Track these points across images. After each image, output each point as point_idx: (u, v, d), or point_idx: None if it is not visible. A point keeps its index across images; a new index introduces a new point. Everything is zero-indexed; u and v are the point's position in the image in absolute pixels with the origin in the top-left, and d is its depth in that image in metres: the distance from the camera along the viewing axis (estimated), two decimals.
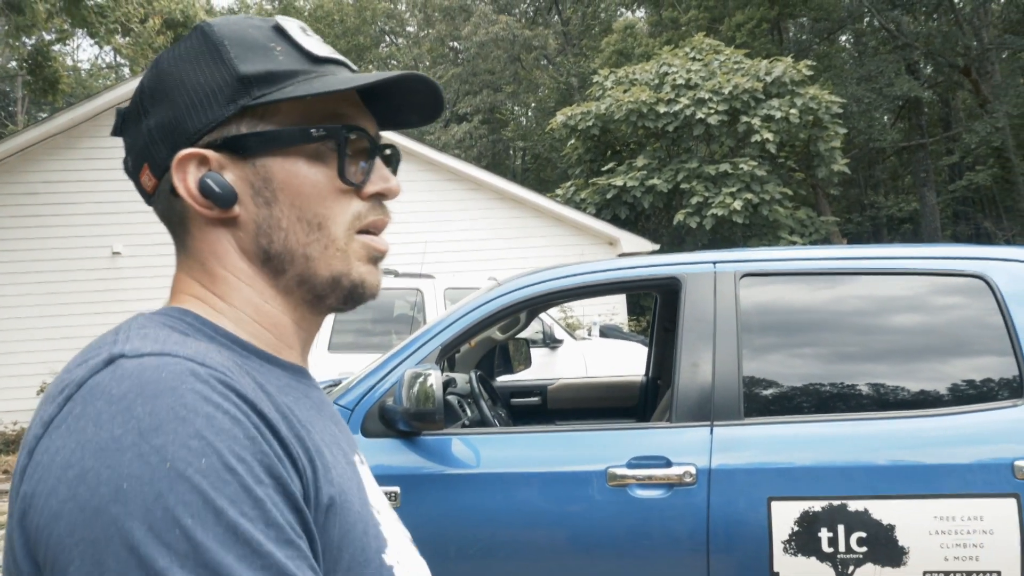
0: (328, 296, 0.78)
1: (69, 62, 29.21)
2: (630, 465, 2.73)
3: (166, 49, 0.79)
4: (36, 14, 8.16)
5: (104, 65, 35.24)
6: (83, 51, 32.85)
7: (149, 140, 0.76)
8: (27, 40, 9.03)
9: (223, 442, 0.57)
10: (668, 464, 2.70)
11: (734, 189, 15.32)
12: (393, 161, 0.84)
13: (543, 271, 3.23)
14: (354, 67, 0.81)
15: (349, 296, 0.78)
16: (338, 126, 0.75)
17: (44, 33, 9.91)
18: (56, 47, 11.53)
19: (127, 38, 9.85)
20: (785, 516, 2.59)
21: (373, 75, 0.74)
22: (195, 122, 0.73)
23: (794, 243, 15.56)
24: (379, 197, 0.79)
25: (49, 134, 11.74)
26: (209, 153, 0.73)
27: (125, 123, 0.80)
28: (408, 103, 0.82)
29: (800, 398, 2.88)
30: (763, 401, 2.85)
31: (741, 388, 2.80)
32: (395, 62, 36.50)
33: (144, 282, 11.68)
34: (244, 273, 0.76)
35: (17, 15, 8.27)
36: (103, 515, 0.54)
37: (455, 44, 33.12)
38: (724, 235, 15.99)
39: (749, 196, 15.20)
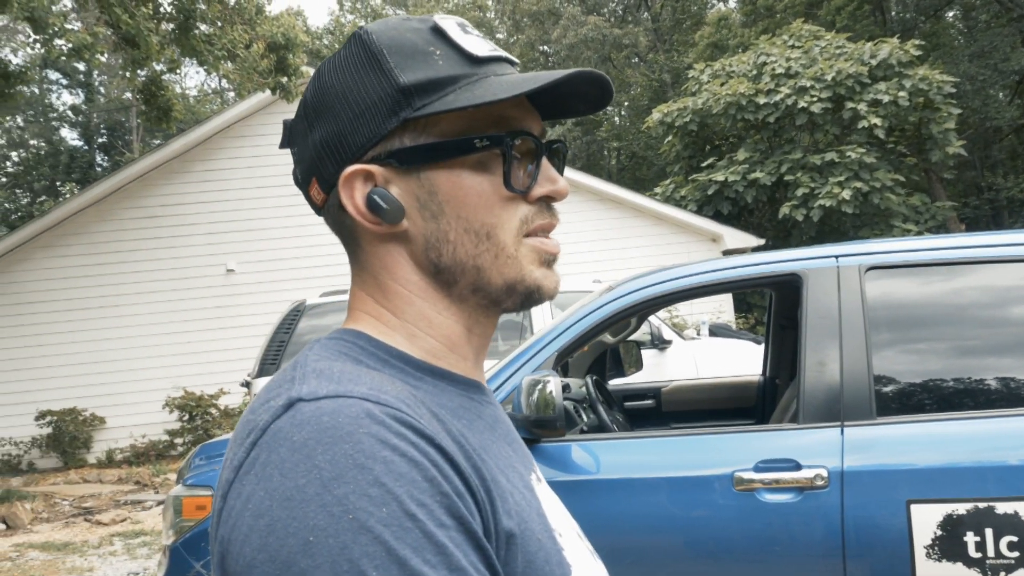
0: (504, 300, 0.76)
1: (178, 90, 30.70)
2: (757, 469, 2.66)
3: (327, 59, 0.78)
4: (150, 47, 8.59)
5: (210, 91, 36.85)
6: (190, 78, 34.43)
7: (316, 154, 0.75)
8: (141, 72, 9.53)
9: (403, 488, 0.57)
10: (797, 467, 2.62)
11: (842, 178, 14.81)
12: (560, 156, 0.82)
13: (656, 273, 3.18)
14: (515, 60, 0.79)
15: (526, 300, 0.77)
16: (502, 134, 0.73)
17: (157, 64, 10.42)
18: (168, 76, 12.11)
19: (233, 64, 10.25)
20: (927, 520, 2.47)
21: (537, 78, 0.71)
22: (359, 136, 0.72)
23: (908, 232, 14.92)
24: (546, 199, 0.77)
25: (164, 160, 12.35)
26: (374, 168, 0.73)
27: (292, 136, 0.79)
28: (574, 93, 0.78)
29: (934, 395, 2.75)
30: (895, 399, 2.73)
31: (872, 386, 2.68)
32: None
33: (257, 297, 12.13)
34: (416, 286, 0.75)
35: (133, 49, 8.74)
36: (292, 568, 0.55)
37: (545, 48, 33.19)
38: (833, 226, 15.47)
39: (858, 185, 14.67)
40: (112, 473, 11.16)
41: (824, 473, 2.57)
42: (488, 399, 0.80)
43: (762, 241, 13.44)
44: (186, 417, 11.58)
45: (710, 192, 15.87)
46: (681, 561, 2.68)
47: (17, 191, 34.83)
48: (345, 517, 0.55)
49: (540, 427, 2.71)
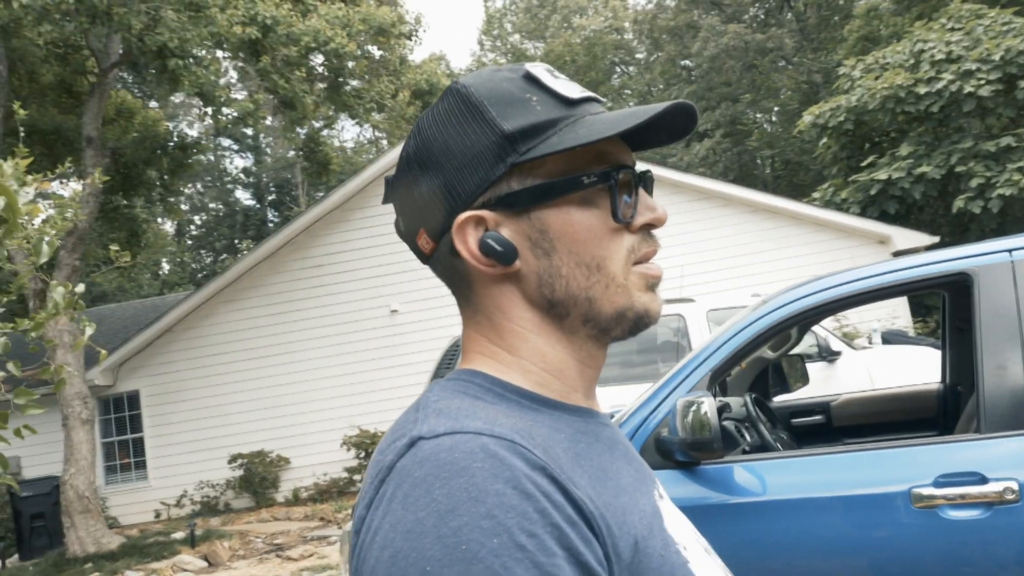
0: (613, 329, 0.79)
1: (336, 143, 32.43)
2: (937, 484, 2.48)
3: (424, 113, 0.81)
4: (305, 107, 9.21)
5: (365, 141, 38.76)
6: (346, 131, 36.32)
7: (423, 205, 0.78)
8: (300, 130, 10.19)
9: (513, 519, 0.59)
10: (983, 480, 2.42)
11: (1022, 163, 13.69)
12: (649, 185, 0.84)
13: (811, 282, 3.06)
14: (603, 100, 0.81)
15: (634, 326, 0.79)
16: (608, 170, 0.76)
17: (313, 122, 11.09)
18: (324, 132, 12.88)
19: (382, 114, 10.76)
20: None
21: (635, 114, 0.74)
22: (467, 184, 0.75)
23: None
24: (647, 227, 0.80)
25: (327, 211, 13.07)
26: (485, 213, 0.75)
27: (394, 190, 0.82)
28: (659, 124, 0.80)
29: None
30: None
31: None
32: (628, 91, 36.77)
33: (419, 335, 12.55)
34: (530, 323, 0.78)
35: (291, 110, 9.38)
36: None
37: (686, 62, 32.77)
38: (1016, 216, 14.30)
39: None
40: (299, 511, 11.80)
41: (1015, 486, 2.37)
42: (604, 422, 0.82)
43: (936, 239, 12.58)
44: (362, 454, 12.09)
45: (873, 192, 15.05)
46: None
47: (201, 251, 37.82)
48: (459, 548, 0.58)
49: (697, 449, 2.65)
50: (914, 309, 13.33)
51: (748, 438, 3.46)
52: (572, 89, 0.78)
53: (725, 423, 3.44)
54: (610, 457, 0.76)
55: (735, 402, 3.70)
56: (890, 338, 9.66)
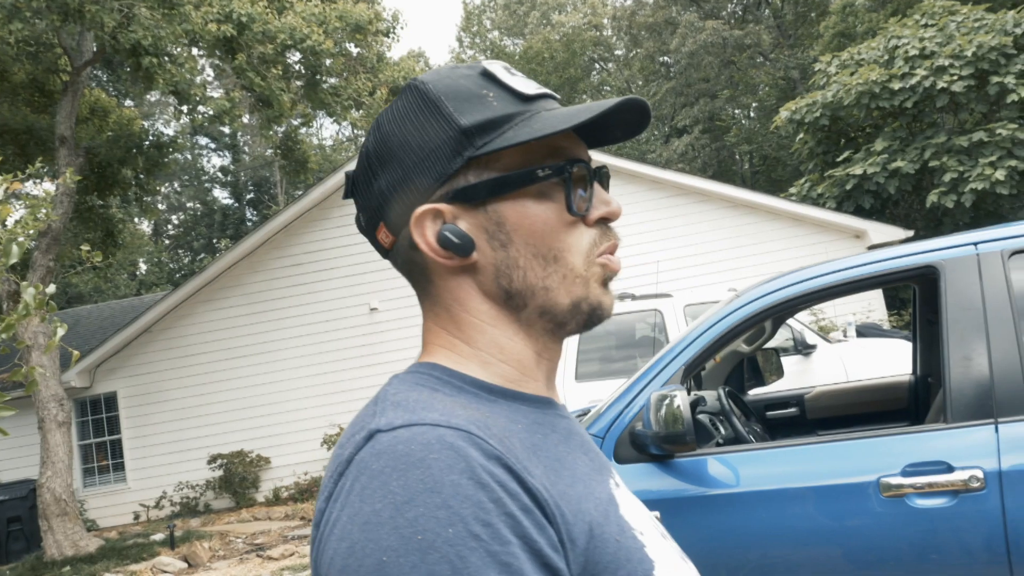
0: (568, 322, 0.80)
1: (315, 141, 32.29)
2: (905, 473, 2.52)
3: (383, 111, 0.83)
4: (282, 105, 9.17)
5: (343, 139, 38.59)
6: (324, 129, 36.15)
7: (382, 200, 0.80)
8: (278, 128, 10.15)
9: (468, 509, 0.60)
10: (949, 469, 2.47)
11: (993, 158, 13.86)
12: (606, 179, 0.85)
13: (782, 277, 3.09)
14: (557, 96, 0.83)
15: (588, 319, 0.81)
16: (562, 163, 0.77)
17: (291, 120, 11.03)
18: (302, 130, 12.83)
19: (360, 111, 10.73)
20: None
21: (589, 109, 0.76)
22: (425, 178, 0.77)
23: None
24: (603, 221, 0.81)
25: (305, 209, 13.01)
26: (443, 206, 0.77)
27: (355, 185, 0.84)
28: (614, 121, 0.82)
29: None
30: None
31: None
32: (608, 88, 36.84)
33: (400, 333, 12.53)
34: (487, 315, 0.80)
35: (267, 108, 9.34)
36: None
37: (665, 59, 32.89)
38: (988, 210, 14.48)
39: (1013, 163, 13.68)
40: (280, 510, 11.76)
41: (979, 474, 2.42)
42: (561, 413, 0.83)
43: (911, 233, 12.72)
44: None
45: (848, 187, 15.18)
46: (833, 573, 2.57)
47: (179, 251, 37.53)
48: (415, 538, 0.59)
49: (670, 442, 2.68)
50: (889, 302, 13.48)
51: (722, 431, 3.50)
52: (528, 86, 0.80)
53: (699, 416, 3.47)
54: (566, 447, 0.77)
55: (710, 396, 3.73)
56: (864, 331, 9.75)
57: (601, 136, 0.85)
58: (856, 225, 12.68)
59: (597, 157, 12.46)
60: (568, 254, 0.78)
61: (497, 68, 0.80)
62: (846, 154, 15.93)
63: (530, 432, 0.74)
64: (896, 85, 14.95)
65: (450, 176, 0.77)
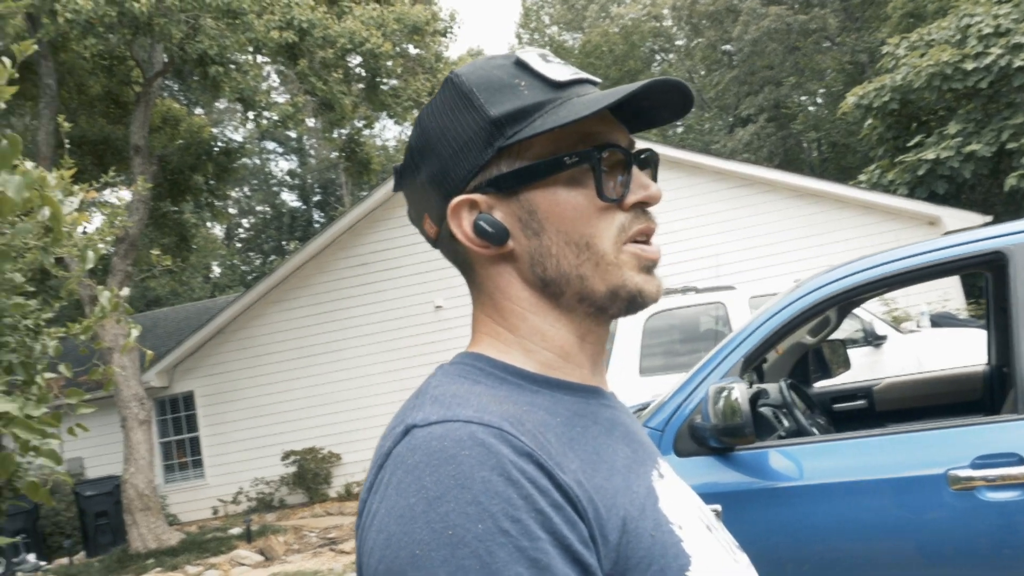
0: (609, 307, 0.80)
1: (378, 143, 32.71)
2: (975, 465, 2.46)
3: (425, 105, 0.85)
4: (344, 108, 9.35)
5: (406, 139, 38.95)
6: (387, 130, 36.58)
7: (425, 192, 0.82)
8: (341, 131, 10.34)
9: (497, 506, 0.62)
10: (1021, 461, 2.40)
11: None
12: (651, 164, 0.85)
13: (842, 266, 3.04)
14: (597, 80, 0.83)
15: (629, 305, 0.80)
16: (589, 149, 0.77)
17: (355, 122, 11.21)
18: (365, 132, 13.04)
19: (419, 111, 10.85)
20: None
21: (615, 92, 0.76)
22: (460, 169, 0.78)
23: None
24: (641, 205, 0.81)
25: (369, 209, 13.21)
26: (477, 196, 0.79)
27: (402, 179, 0.86)
28: (658, 103, 0.82)
29: None
30: None
31: None
32: None
33: (464, 330, 12.48)
34: (528, 302, 0.80)
35: (330, 112, 9.52)
36: None
37: (727, 47, 32.35)
38: None
39: None
40: (351, 505, 11.98)
41: None
42: (607, 402, 0.83)
43: (989, 218, 12.26)
44: None
45: (921, 172, 14.72)
46: (899, 567, 2.52)
47: (250, 253, 38.46)
48: (446, 533, 0.61)
49: (729, 435, 2.66)
50: (968, 290, 13.04)
51: (785, 424, 3.45)
52: (562, 72, 0.80)
53: (762, 409, 3.43)
54: (607, 439, 0.78)
55: (773, 388, 3.68)
56: (939, 321, 9.45)
57: (646, 119, 0.85)
58: (929, 212, 12.30)
59: (656, 149, 12.34)
60: (599, 241, 0.78)
61: (531, 56, 0.81)
62: (917, 139, 15.46)
63: (569, 425, 0.75)
64: (969, 65, 14.44)
65: (483, 166, 0.78)
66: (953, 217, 12.11)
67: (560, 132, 0.76)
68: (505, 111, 0.76)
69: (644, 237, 0.81)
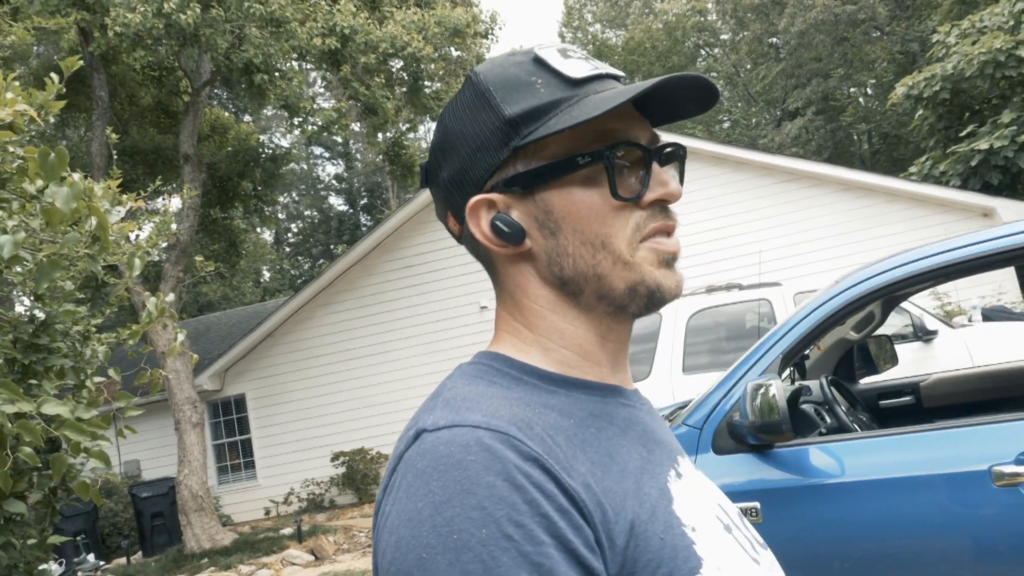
0: (629, 305, 0.80)
1: (422, 145, 32.98)
2: (1019, 461, 2.41)
3: (447, 104, 0.85)
4: (387, 112, 9.46)
5: None
6: (431, 133, 36.84)
7: (447, 191, 0.83)
8: (386, 135, 10.47)
9: (502, 511, 0.62)
10: None
11: None
12: (677, 158, 0.84)
13: (884, 260, 3.00)
14: (619, 74, 0.82)
15: (649, 302, 0.80)
16: (602, 149, 0.76)
17: (400, 125, 11.33)
18: (410, 135, 13.18)
19: None
20: None
21: (628, 91, 0.75)
22: (478, 169, 0.79)
23: None
24: (660, 203, 0.80)
25: (413, 212, 13.32)
26: (495, 196, 0.79)
27: (428, 177, 0.86)
28: (680, 96, 0.81)
29: None
30: None
31: None
32: (715, 74, 36.07)
33: None
34: (546, 300, 0.80)
35: (373, 116, 9.64)
36: None
37: (773, 40, 31.93)
38: None
39: None
40: None
41: None
42: (626, 401, 0.83)
43: None
44: None
45: (974, 163, 14.35)
46: (942, 564, 2.48)
47: (299, 258, 39.03)
48: (451, 537, 0.62)
49: (767, 432, 2.65)
50: (1023, 283, 12.68)
51: (827, 420, 3.41)
52: (580, 68, 0.79)
53: (803, 406, 3.40)
54: (621, 440, 0.77)
55: (814, 385, 3.64)
56: (991, 315, 9.21)
57: (670, 113, 0.84)
58: (983, 203, 11.98)
59: (699, 145, 12.23)
60: (615, 240, 0.77)
61: (549, 53, 0.80)
62: (970, 128, 15.07)
63: (583, 426, 0.75)
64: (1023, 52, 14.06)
65: (499, 166, 0.78)
66: (1008, 208, 11.79)
67: (576, 131, 0.76)
68: (520, 110, 0.76)
69: (662, 233, 0.80)
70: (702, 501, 0.81)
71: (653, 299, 0.79)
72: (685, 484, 0.80)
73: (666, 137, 0.83)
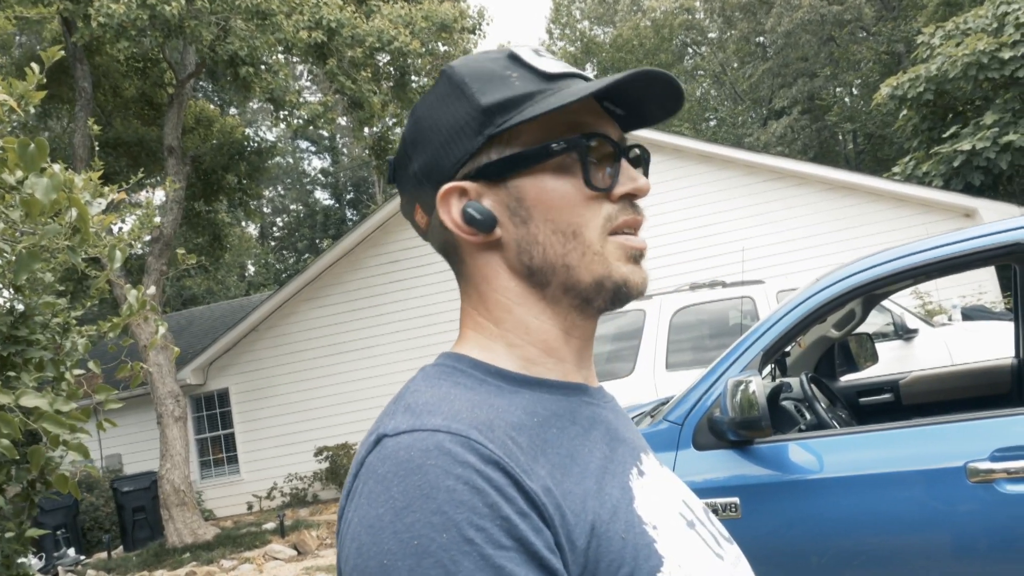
0: (595, 299, 0.80)
1: None
2: (994, 458, 2.44)
3: (420, 97, 0.87)
4: (373, 106, 9.45)
5: None
6: None
7: (416, 182, 0.83)
8: (372, 130, 10.45)
9: (462, 515, 0.62)
10: None
11: None
12: (642, 162, 0.86)
13: (863, 259, 3.02)
14: (589, 76, 0.83)
15: (615, 297, 0.80)
16: (576, 136, 0.78)
17: (386, 120, 11.30)
18: (396, 131, 13.15)
19: None
20: None
21: (601, 81, 0.76)
22: (450, 157, 0.79)
23: None
24: (629, 198, 0.81)
25: (399, 207, 13.29)
26: (467, 184, 0.79)
27: (396, 171, 0.87)
28: (648, 99, 0.82)
29: None
30: None
31: None
32: (701, 72, 36.18)
33: None
34: (513, 292, 0.81)
35: (359, 110, 9.63)
36: None
37: (760, 39, 32.05)
38: None
39: None
40: None
41: None
42: (590, 399, 0.83)
43: None
44: None
45: (956, 164, 14.47)
46: (917, 560, 2.51)
47: (284, 252, 38.88)
48: (412, 543, 0.62)
49: (747, 428, 2.67)
50: (1003, 283, 12.81)
51: (807, 417, 3.44)
52: (553, 66, 0.81)
53: (784, 403, 3.43)
54: (583, 440, 0.77)
55: (795, 382, 3.67)
56: (971, 314, 9.30)
57: (638, 117, 0.85)
58: (965, 203, 12.09)
59: (686, 143, 12.28)
60: (586, 230, 0.78)
61: (524, 51, 0.82)
62: (953, 129, 15.20)
63: (544, 426, 0.74)
64: (1007, 54, 14.17)
65: (473, 154, 0.79)
66: (990, 209, 11.90)
67: (549, 122, 0.78)
68: (496, 100, 0.77)
69: (630, 229, 0.81)
70: (665, 498, 0.81)
71: (619, 294, 0.80)
72: (648, 482, 0.81)
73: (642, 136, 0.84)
